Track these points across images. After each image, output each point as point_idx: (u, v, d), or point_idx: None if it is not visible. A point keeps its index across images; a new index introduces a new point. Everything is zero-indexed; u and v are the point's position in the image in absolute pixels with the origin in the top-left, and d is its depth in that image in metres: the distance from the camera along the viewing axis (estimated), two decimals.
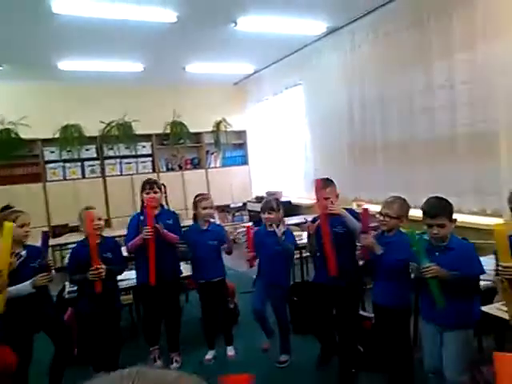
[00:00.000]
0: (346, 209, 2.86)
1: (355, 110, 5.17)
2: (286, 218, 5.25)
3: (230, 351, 3.39)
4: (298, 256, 4.47)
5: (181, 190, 7.09)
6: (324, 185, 2.86)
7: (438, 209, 2.22)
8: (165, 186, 3.30)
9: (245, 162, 7.88)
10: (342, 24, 5.01)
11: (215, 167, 7.63)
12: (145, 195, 3.18)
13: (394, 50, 4.51)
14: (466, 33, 3.71)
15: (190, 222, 4.96)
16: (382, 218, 2.54)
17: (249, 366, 3.23)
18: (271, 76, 6.85)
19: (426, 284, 2.21)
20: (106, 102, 6.77)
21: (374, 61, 4.82)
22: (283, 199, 6.38)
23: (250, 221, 6.60)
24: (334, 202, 2.80)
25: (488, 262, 2.49)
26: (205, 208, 3.28)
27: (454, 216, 2.27)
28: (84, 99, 6.63)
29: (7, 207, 3.15)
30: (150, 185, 3.19)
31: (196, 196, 3.41)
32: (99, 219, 2.91)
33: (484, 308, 2.28)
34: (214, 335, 3.43)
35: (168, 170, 7.33)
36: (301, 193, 6.51)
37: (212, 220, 3.49)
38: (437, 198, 2.31)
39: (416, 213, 2.90)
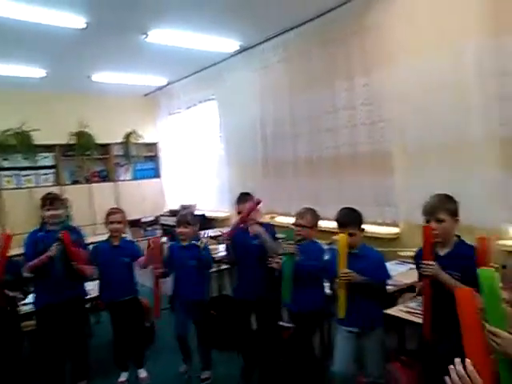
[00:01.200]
0: (263, 223, 2.97)
1: (267, 126, 5.37)
2: (200, 232, 5.27)
3: (142, 374, 3.27)
4: (215, 269, 4.48)
5: (88, 204, 6.69)
6: (243, 199, 2.95)
7: (348, 219, 2.43)
8: (68, 201, 3.11)
9: (157, 175, 7.70)
10: (254, 43, 5.18)
11: (125, 180, 7.34)
12: (45, 212, 2.95)
13: (303, 71, 4.78)
14: (363, 59, 4.10)
15: (98, 238, 4.72)
16: (296, 228, 2.70)
17: None
18: (184, 89, 6.83)
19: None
20: (1, 108, 6.16)
21: (284, 80, 5.05)
22: (197, 212, 6.36)
23: (163, 235, 6.44)
24: (255, 215, 2.90)
25: (389, 268, 2.76)
26: (111, 223, 3.17)
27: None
28: None
29: None
30: (50, 201, 2.97)
31: (109, 210, 3.29)
32: None
33: (388, 310, 2.52)
34: (126, 357, 3.28)
35: (73, 182, 6.87)
36: (215, 206, 6.54)
37: (124, 235, 3.37)
38: (348, 208, 2.55)
39: (323, 223, 3.14)
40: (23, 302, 2.92)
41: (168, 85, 6.98)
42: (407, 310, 2.49)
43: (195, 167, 6.97)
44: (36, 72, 5.56)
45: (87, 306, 3.53)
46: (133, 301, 3.23)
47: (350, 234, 2.40)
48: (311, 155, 4.80)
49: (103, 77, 6.07)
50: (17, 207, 6.02)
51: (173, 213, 6.53)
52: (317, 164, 4.74)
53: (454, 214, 2.06)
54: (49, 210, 2.95)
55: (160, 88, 7.17)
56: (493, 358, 1.27)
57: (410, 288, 2.78)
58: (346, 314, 2.43)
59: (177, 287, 3.17)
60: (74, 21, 3.97)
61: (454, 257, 2.00)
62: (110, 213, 3.23)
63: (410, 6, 3.54)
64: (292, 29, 4.69)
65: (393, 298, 2.59)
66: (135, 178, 7.45)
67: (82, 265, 2.99)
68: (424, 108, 3.54)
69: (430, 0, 3.41)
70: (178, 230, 3.11)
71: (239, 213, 2.96)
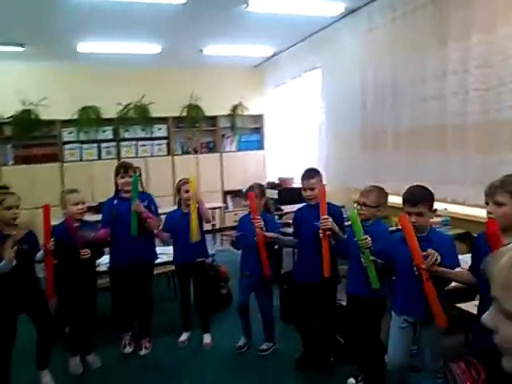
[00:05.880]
0: (331, 204, 2.78)
1: (367, 93, 4.99)
2: (294, 205, 5.17)
3: (207, 339, 3.39)
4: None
5: (195, 174, 7.06)
6: (309, 175, 2.80)
7: (419, 197, 2.16)
8: (139, 170, 3.32)
9: (260, 147, 7.80)
10: (360, 4, 4.80)
11: (230, 151, 7.60)
12: (120, 180, 3.15)
13: (410, 32, 4.27)
14: (485, 14, 3.45)
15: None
16: (359, 207, 2.48)
17: (228, 351, 3.23)
18: (290, 59, 6.69)
19: (400, 276, 2.17)
20: (124, 84, 6.82)
21: (390, 43, 4.59)
22: (294, 185, 6.30)
23: None
24: (319, 193, 2.74)
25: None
26: (186, 191, 3.28)
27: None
28: (102, 81, 6.69)
29: (2, 187, 3.20)
30: (124, 169, 3.16)
31: (179, 181, 3.42)
32: (83, 203, 2.95)
33: (461, 305, 2.18)
34: (189, 317, 3.45)
35: (183, 153, 7.36)
36: None
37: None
38: (418, 186, 2.26)
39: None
40: (99, 262, 3.25)
41: (275, 55, 6.92)
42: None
43: (296, 139, 6.86)
44: (153, 48, 5.97)
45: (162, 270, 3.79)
46: (201, 264, 3.36)
47: (419, 214, 2.12)
48: (413, 126, 4.31)
49: (213, 50, 6.26)
50: None
51: (271, 185, 6.57)
52: (419, 136, 4.24)
53: None
54: (123, 177, 3.14)
55: (268, 59, 7.15)
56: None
57: None
58: (404, 302, 2.20)
59: (244, 259, 3.19)
60: None
61: None
62: (184, 182, 3.35)
63: None
64: None
65: (471, 292, 2.20)
66: (239, 150, 7.66)
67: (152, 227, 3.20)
68: None
69: None
70: (245, 202, 3.10)
71: (310, 189, 2.81)
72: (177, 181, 3.52)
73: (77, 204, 2.92)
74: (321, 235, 2.56)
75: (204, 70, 7.17)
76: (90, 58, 6.17)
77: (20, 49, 5.61)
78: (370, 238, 2.28)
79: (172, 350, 3.32)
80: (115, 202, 3.19)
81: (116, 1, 4.13)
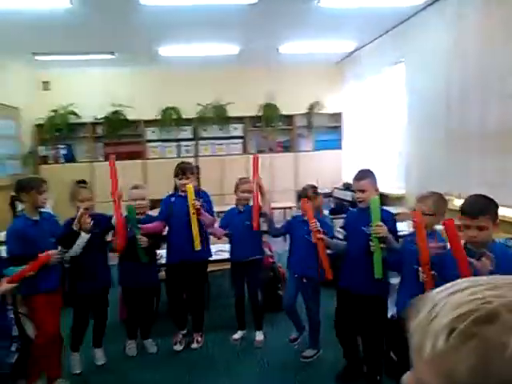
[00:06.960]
0: (384, 210, 2.54)
1: (454, 89, 4.50)
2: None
3: (259, 336, 3.36)
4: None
5: (268, 174, 7.02)
6: (359, 176, 2.59)
7: (479, 208, 1.88)
8: (198, 168, 3.33)
9: (338, 147, 7.52)
10: None
11: (306, 151, 7.44)
12: (178, 181, 3.21)
13: (508, 16, 3.76)
14: None
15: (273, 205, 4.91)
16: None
17: (273, 352, 3.18)
18: (372, 54, 6.36)
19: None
20: (203, 84, 7.03)
21: (482, 33, 4.09)
22: None
23: (334, 208, 6.30)
24: (370, 195, 2.51)
25: None
26: (243, 191, 3.26)
27: None
28: (182, 83, 6.97)
29: (81, 182, 3.48)
30: (182, 170, 3.20)
31: (239, 179, 3.39)
32: (143, 199, 3.07)
33: None
34: (243, 315, 3.44)
35: (258, 152, 7.37)
36: (392, 182, 5.96)
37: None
38: (480, 195, 1.97)
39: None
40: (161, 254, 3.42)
41: (356, 50, 6.61)
42: None
43: (376, 139, 6.47)
44: (230, 49, 6.06)
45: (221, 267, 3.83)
46: (256, 262, 3.30)
47: (480, 228, 1.85)
48: (503, 126, 3.79)
49: (290, 48, 6.19)
50: (209, 172, 6.82)
51: (346, 186, 6.29)
52: (510, 138, 3.72)
53: None
54: (181, 179, 3.19)
55: (350, 54, 6.87)
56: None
57: None
58: None
59: (292, 260, 3.07)
60: None
61: None
62: (243, 182, 3.32)
63: None
64: None
65: None
66: (316, 149, 7.47)
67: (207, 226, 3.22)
68: None
69: None
70: (299, 203, 2.99)
71: (360, 191, 2.60)
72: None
73: (135, 200, 3.06)
74: (372, 247, 2.38)
75: (281, 68, 7.09)
76: (171, 61, 6.46)
77: (111, 56, 6.09)
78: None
79: (223, 345, 3.34)
80: (172, 199, 3.27)
81: (189, 5, 4.25)
